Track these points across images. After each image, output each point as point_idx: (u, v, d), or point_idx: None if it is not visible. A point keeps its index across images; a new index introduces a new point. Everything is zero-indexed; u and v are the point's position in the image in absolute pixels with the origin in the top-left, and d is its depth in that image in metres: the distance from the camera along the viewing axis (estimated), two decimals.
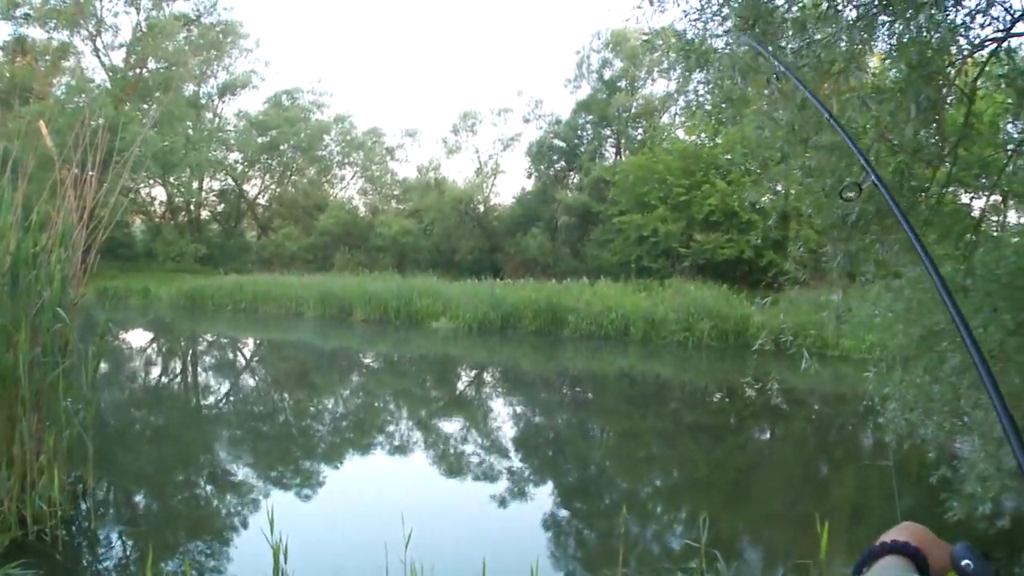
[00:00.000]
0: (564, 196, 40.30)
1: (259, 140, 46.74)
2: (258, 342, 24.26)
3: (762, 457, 12.22)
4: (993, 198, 7.15)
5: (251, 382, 17.26)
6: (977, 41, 4.98)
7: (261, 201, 49.90)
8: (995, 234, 7.06)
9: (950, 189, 6.44)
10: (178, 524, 7.43)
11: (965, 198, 7.74)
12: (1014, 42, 5.16)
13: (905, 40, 4.50)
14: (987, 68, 5.44)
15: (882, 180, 2.05)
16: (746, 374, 19.03)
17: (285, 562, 6.11)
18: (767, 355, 20.99)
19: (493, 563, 5.69)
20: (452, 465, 10.31)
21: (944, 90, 4.80)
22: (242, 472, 9.50)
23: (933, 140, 5.22)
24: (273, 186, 50.10)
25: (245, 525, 7.59)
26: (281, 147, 47.56)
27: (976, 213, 7.03)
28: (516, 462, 10.76)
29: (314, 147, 48.41)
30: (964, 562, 1.09)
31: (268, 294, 29.78)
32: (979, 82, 5.50)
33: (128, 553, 6.55)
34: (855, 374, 17.79)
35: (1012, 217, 7.86)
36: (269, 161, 48.55)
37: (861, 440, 13.15)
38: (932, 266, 1.68)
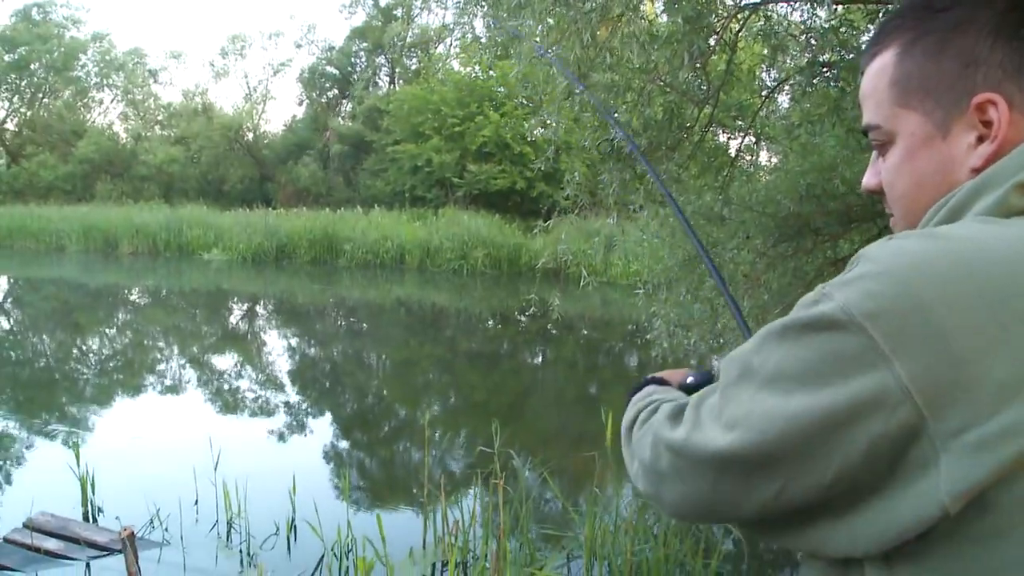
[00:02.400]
0: (337, 124, 39.64)
1: (6, 58, 42.87)
2: (14, 281, 22.44)
3: (537, 379, 12.74)
4: (748, 139, 7.74)
5: (6, 325, 16.09)
6: (741, 4, 5.41)
7: (9, 126, 45.92)
8: (749, 171, 7.64)
9: (711, 129, 6.92)
10: None
11: (723, 138, 8.34)
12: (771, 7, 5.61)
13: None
14: (747, 24, 5.89)
15: (638, 146, 2.24)
16: (519, 300, 19.65)
17: (93, 493, 5.99)
18: (540, 281, 21.76)
19: (302, 488, 5.80)
20: (229, 402, 10.14)
21: (711, 41, 5.14)
22: (22, 418, 8.92)
23: (699, 84, 5.59)
24: (23, 109, 46.14)
25: (41, 461, 7.27)
26: (31, 66, 43.76)
27: (733, 152, 7.57)
28: (295, 395, 10.73)
29: (69, 67, 44.85)
30: (688, 380, 1.31)
31: (24, 228, 27.68)
32: (740, 35, 5.94)
33: None
34: (622, 299, 18.78)
35: (763, 157, 8.58)
36: (17, 81, 44.58)
37: (629, 360, 13.95)
38: (675, 204, 1.90)
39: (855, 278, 0.81)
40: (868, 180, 1.06)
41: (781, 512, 0.86)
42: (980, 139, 0.92)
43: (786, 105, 7.33)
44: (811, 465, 0.80)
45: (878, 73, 1.01)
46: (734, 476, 0.86)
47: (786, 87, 6.72)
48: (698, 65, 5.01)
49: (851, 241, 6.04)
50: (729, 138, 8.18)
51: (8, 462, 7.41)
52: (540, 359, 14.63)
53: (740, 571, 5.34)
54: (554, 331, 16.54)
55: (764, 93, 6.97)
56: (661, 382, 1.27)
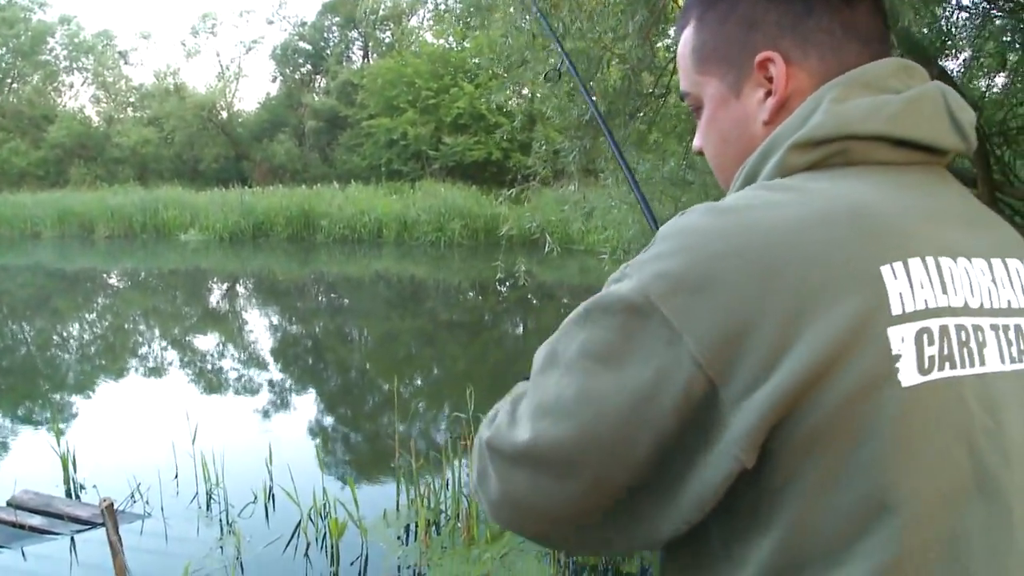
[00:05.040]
0: (311, 100, 39.51)
1: None
2: None
3: (518, 348, 12.87)
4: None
5: None
6: None
7: None
8: None
9: (670, 95, 7.03)
10: None
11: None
12: None
13: None
14: None
15: (597, 107, 2.34)
16: (497, 271, 19.73)
17: (75, 471, 6.13)
18: (517, 250, 21.80)
19: (278, 458, 5.96)
20: (208, 379, 10.27)
21: (657, 15, 5.25)
22: (2, 403, 9.09)
23: (650, 55, 5.69)
24: None
25: (23, 442, 7.38)
26: None
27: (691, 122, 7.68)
28: (274, 370, 10.85)
29: (37, 51, 44.39)
30: None
31: None
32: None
33: None
34: (600, 267, 18.88)
35: None
36: None
37: None
38: (629, 172, 2.01)
39: (651, 259, 0.85)
40: (695, 143, 1.14)
41: (604, 506, 0.87)
42: (767, 94, 1.00)
43: None
44: (624, 445, 0.82)
45: (683, 44, 1.10)
46: (549, 467, 0.87)
47: None
48: (644, 37, 5.12)
49: None
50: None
51: None
52: (520, 328, 14.77)
53: None
54: (534, 300, 16.69)
55: None
56: None
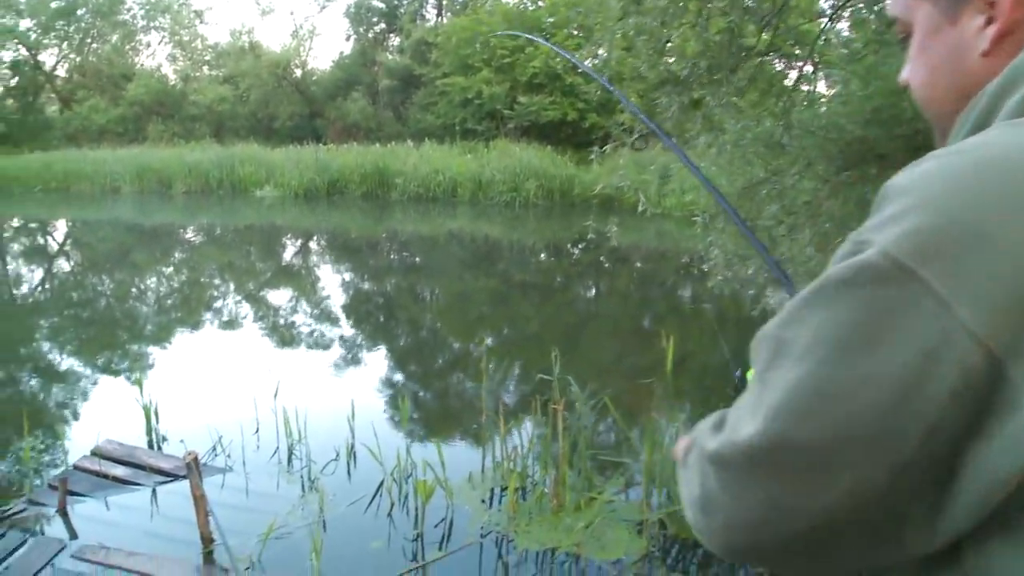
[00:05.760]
0: (385, 59, 39.36)
1: (52, 5, 42.96)
2: (73, 224, 22.70)
3: (590, 311, 12.69)
4: (806, 68, 7.51)
5: (67, 267, 16.34)
6: None
7: (60, 72, 46.14)
8: (812, 96, 7.44)
9: (769, 56, 6.74)
10: (40, 409, 7.11)
11: (780, 67, 8.09)
12: None
13: None
14: None
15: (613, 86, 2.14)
16: (572, 232, 19.53)
17: (157, 423, 6.12)
18: (595, 212, 21.62)
19: (360, 417, 5.87)
20: (286, 335, 10.26)
21: None
22: (89, 355, 9.13)
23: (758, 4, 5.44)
24: (72, 55, 46.28)
25: (108, 394, 7.43)
26: (78, 12, 43.86)
27: (789, 82, 7.37)
28: (350, 328, 10.83)
29: (115, 11, 44.82)
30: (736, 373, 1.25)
31: (79, 172, 27.84)
32: None
33: None
34: (677, 231, 18.60)
35: (822, 87, 8.31)
36: (65, 28, 44.67)
37: (683, 292, 13.84)
38: (683, 155, 1.82)
39: (890, 218, 0.72)
40: (901, 75, 1.02)
41: (857, 517, 0.72)
42: (988, 22, 0.87)
43: (846, 32, 7.12)
44: (887, 444, 0.68)
45: None
46: (795, 477, 0.72)
47: (846, 12, 6.52)
48: None
49: None
50: (787, 67, 7.94)
51: (75, 395, 7.59)
52: (593, 291, 14.57)
53: None
54: (607, 263, 16.46)
55: (828, 13, 6.75)
56: None
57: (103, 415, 6.69)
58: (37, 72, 43.42)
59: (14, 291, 13.32)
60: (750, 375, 0.84)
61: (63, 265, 16.39)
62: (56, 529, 4.65)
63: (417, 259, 17.36)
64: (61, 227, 22.38)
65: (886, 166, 5.92)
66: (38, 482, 5.29)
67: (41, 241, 19.89)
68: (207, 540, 4.38)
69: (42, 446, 5.97)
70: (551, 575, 4.27)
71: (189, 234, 20.59)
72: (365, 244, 18.98)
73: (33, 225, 22.29)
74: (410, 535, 4.65)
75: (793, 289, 1.39)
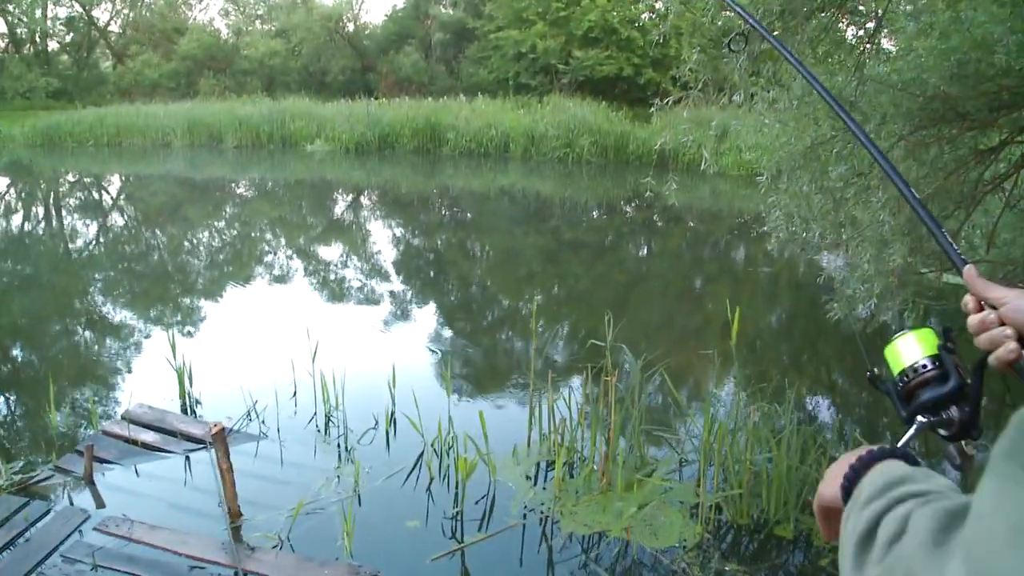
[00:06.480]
0: (438, 12, 38.87)
1: None
2: (125, 178, 22.72)
3: (642, 271, 12.32)
4: (869, 25, 7.03)
5: (121, 221, 16.25)
6: None
7: (114, 28, 46.26)
8: (887, 51, 6.95)
9: (834, 12, 6.28)
10: (68, 368, 6.96)
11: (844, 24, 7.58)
12: None
13: None
14: None
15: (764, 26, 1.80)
16: (626, 190, 19.08)
17: (191, 385, 5.92)
18: (650, 170, 21.08)
19: (402, 380, 5.61)
20: (331, 293, 10.04)
21: None
22: (125, 312, 8.98)
23: None
24: (125, 10, 46.38)
25: (140, 353, 7.29)
26: None
27: (858, 35, 6.90)
28: (397, 285, 10.57)
29: None
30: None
31: (132, 126, 27.78)
32: None
33: (14, 409, 6.11)
34: (732, 191, 18.07)
35: (885, 44, 7.79)
36: None
37: (737, 254, 13.40)
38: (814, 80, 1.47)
39: None
40: None
41: None
42: None
43: None
44: None
45: None
46: None
47: None
48: None
49: (1000, 130, 5.39)
50: (850, 25, 7.43)
51: (112, 355, 7.43)
52: (646, 251, 14.19)
53: None
54: (660, 223, 16.03)
55: None
56: (897, 452, 0.93)
57: (137, 376, 6.53)
58: (91, 28, 43.66)
59: (69, 245, 13.30)
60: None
61: (116, 219, 16.33)
62: (81, 498, 4.46)
63: (467, 215, 17.06)
64: (114, 182, 22.41)
65: (966, 127, 5.47)
66: (66, 446, 5.10)
67: (95, 196, 19.88)
68: (235, 514, 4.16)
69: (71, 409, 5.79)
70: (598, 562, 3.98)
71: (239, 188, 20.47)
72: (415, 199, 18.71)
73: (87, 179, 22.34)
74: (449, 512, 4.39)
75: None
